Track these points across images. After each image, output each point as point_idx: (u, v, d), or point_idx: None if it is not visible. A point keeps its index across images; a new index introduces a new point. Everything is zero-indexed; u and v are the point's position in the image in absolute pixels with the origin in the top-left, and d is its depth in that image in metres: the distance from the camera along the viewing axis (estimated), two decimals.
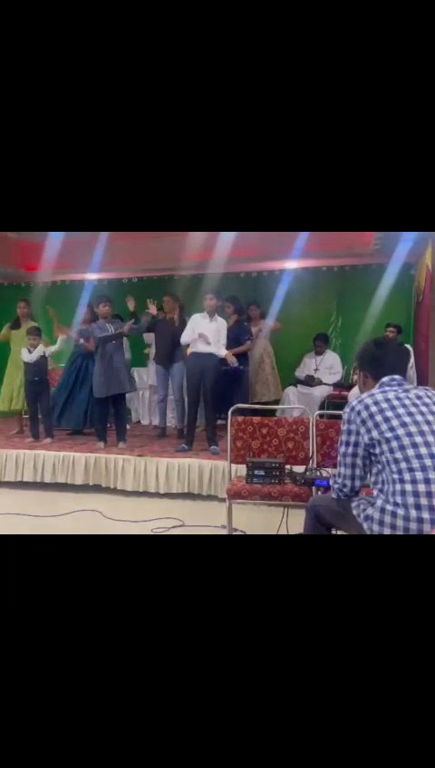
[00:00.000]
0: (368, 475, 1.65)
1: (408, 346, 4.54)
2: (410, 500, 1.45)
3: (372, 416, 1.57)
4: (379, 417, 1.56)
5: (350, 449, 1.63)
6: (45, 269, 5.74)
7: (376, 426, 1.55)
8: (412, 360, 4.73)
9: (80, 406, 4.93)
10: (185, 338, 4.16)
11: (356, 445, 1.61)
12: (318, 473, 2.52)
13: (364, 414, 1.59)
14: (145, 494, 3.89)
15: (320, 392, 5.05)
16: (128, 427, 4.73)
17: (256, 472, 2.57)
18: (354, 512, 1.64)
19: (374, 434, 1.55)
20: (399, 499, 1.46)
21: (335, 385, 5.11)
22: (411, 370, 4.70)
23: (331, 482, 1.77)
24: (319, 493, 2.34)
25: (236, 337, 4.57)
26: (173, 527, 3.15)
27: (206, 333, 4.01)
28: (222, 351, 4.08)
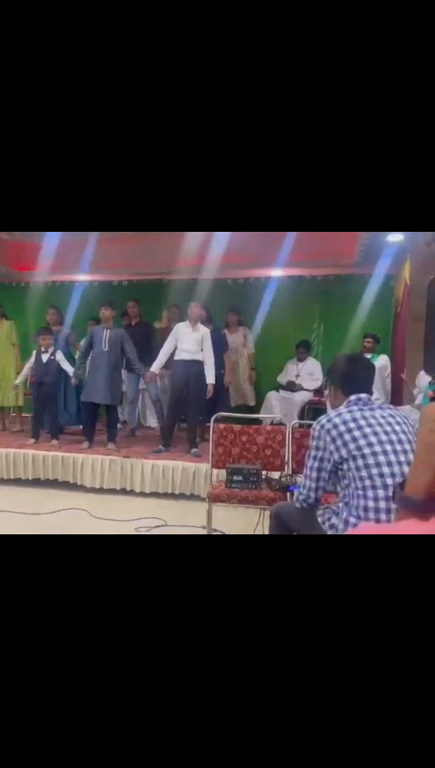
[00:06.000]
0: (335, 486, 1.82)
1: (376, 361, 4.74)
2: (372, 515, 1.61)
3: (341, 434, 1.70)
4: (347, 437, 1.69)
5: (316, 463, 1.78)
6: (37, 269, 5.84)
7: (345, 444, 1.69)
8: (389, 369, 4.95)
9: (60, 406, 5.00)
10: (165, 347, 4.31)
11: (322, 459, 1.77)
12: (293, 479, 2.70)
13: (334, 432, 1.72)
14: (132, 493, 4.05)
15: (301, 397, 5.23)
16: (119, 426, 4.85)
17: (234, 477, 2.75)
18: (319, 519, 1.82)
19: (343, 452, 1.69)
20: (362, 513, 1.63)
21: (315, 391, 5.30)
22: (387, 380, 4.91)
23: (296, 492, 1.94)
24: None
25: (218, 344, 4.72)
26: (156, 526, 3.32)
27: (187, 343, 4.20)
28: (211, 378, 4.21)
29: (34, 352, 4.63)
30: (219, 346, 4.78)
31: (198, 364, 4.21)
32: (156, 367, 4.35)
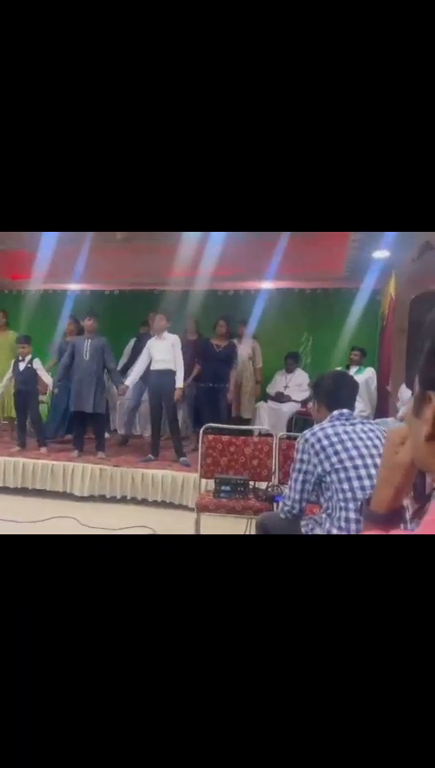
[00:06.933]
0: (319, 498, 1.90)
1: (362, 374, 4.85)
2: (353, 526, 1.69)
3: (324, 448, 1.78)
4: (330, 450, 1.77)
5: (300, 476, 1.85)
6: (29, 278, 5.88)
7: (327, 458, 1.76)
8: (375, 382, 5.06)
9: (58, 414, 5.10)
10: (139, 362, 4.43)
11: (306, 472, 1.84)
12: (279, 489, 2.78)
13: (317, 446, 1.80)
14: (121, 501, 4.10)
15: (289, 408, 5.32)
16: (107, 435, 4.90)
17: (222, 487, 2.82)
18: (303, 530, 1.89)
19: (326, 465, 1.76)
20: (343, 524, 1.70)
21: (303, 402, 5.38)
22: (373, 392, 5.02)
23: (280, 503, 2.02)
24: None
25: (229, 359, 4.85)
26: (145, 535, 3.37)
27: (158, 353, 4.32)
28: (179, 383, 4.32)
29: (13, 361, 4.68)
30: (230, 362, 4.88)
31: (172, 374, 4.31)
32: (130, 381, 4.46)
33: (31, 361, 4.63)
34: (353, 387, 2.04)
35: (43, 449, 4.58)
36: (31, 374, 4.61)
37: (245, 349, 5.45)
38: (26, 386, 4.60)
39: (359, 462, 1.75)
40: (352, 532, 1.69)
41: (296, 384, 5.51)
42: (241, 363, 5.33)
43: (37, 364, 4.65)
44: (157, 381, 4.33)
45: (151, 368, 4.37)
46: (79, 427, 4.57)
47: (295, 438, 2.03)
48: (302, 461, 1.85)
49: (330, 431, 1.83)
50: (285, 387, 5.51)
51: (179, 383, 4.31)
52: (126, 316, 5.88)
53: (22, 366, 4.61)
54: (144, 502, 4.07)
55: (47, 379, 4.64)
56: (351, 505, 1.71)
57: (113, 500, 4.12)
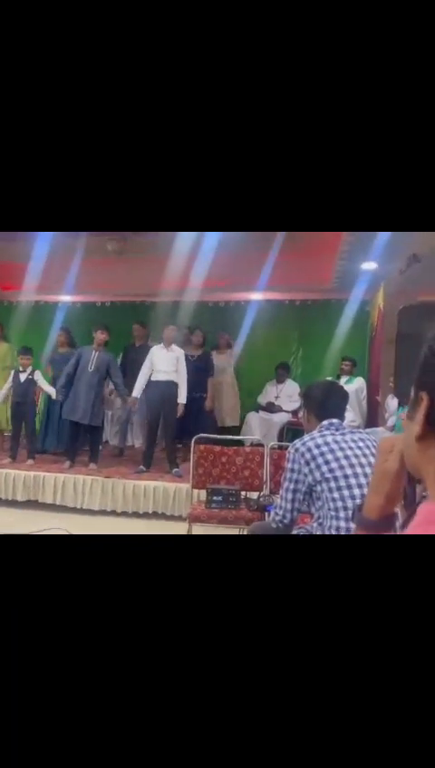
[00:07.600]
0: (310, 507, 1.92)
1: (352, 384, 4.89)
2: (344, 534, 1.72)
3: (314, 458, 1.80)
4: (320, 460, 1.79)
5: (291, 485, 1.87)
6: (20, 289, 5.88)
7: (318, 467, 1.78)
8: (365, 391, 5.11)
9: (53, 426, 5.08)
10: (144, 371, 4.41)
11: (297, 482, 1.85)
12: (271, 499, 2.79)
13: (307, 456, 1.82)
14: (113, 513, 4.08)
15: (280, 419, 5.34)
16: (100, 448, 4.88)
17: (214, 497, 2.83)
18: None
19: (317, 474, 1.78)
20: (334, 533, 1.72)
21: (294, 412, 5.41)
22: (363, 402, 5.06)
23: (272, 513, 2.03)
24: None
25: (204, 368, 4.88)
26: None
27: (162, 364, 4.31)
28: (182, 398, 4.33)
29: (13, 372, 4.67)
30: (206, 370, 4.90)
31: (174, 385, 4.30)
32: (137, 391, 4.42)
33: (32, 373, 4.62)
34: (343, 396, 2.07)
35: (30, 461, 4.56)
36: (31, 386, 4.61)
37: (225, 358, 5.50)
38: (26, 397, 4.60)
39: (349, 471, 1.77)
40: None
41: (287, 394, 5.54)
42: (222, 370, 5.35)
43: (38, 376, 4.64)
44: (157, 392, 4.30)
45: (152, 378, 4.34)
46: (72, 437, 4.55)
47: (286, 448, 2.05)
48: (292, 471, 1.87)
49: (320, 441, 1.85)
50: (276, 397, 5.54)
51: (182, 398, 4.30)
52: (117, 328, 5.87)
53: (23, 377, 4.59)
54: (136, 513, 4.06)
55: (49, 389, 4.63)
56: (341, 514, 1.73)
57: (105, 512, 4.10)
